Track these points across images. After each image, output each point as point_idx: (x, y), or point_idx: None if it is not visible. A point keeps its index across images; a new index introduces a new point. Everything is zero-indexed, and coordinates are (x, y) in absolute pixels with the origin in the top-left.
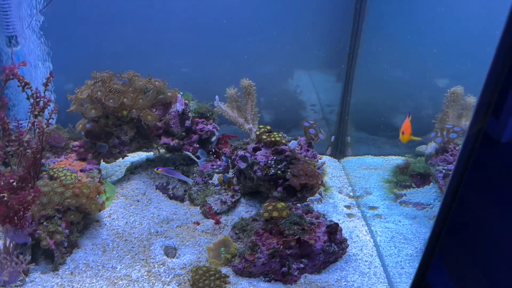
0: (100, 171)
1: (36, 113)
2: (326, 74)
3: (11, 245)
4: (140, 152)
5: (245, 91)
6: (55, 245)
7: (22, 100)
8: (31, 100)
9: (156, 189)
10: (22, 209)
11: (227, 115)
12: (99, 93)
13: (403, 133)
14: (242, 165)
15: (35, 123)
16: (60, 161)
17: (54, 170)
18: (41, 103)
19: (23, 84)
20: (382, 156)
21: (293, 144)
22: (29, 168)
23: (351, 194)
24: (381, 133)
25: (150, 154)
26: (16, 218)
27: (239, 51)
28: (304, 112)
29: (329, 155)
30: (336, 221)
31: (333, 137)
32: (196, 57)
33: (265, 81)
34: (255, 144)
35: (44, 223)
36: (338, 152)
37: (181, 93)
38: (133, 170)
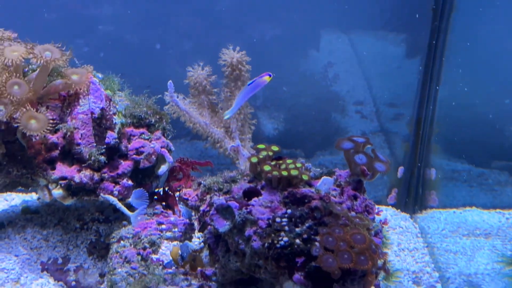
0: None
1: None
2: (386, 42)
3: None
4: (11, 193)
5: (231, 72)
6: None
7: None
8: None
9: (43, 270)
10: None
11: (189, 120)
12: None
13: None
14: (222, 226)
15: None
16: None
17: None
18: None
19: None
20: (499, 210)
21: (325, 183)
22: None
23: (439, 286)
24: (498, 164)
25: (31, 198)
26: None
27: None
28: (341, 116)
29: (392, 205)
30: None
31: (400, 170)
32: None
33: (263, 55)
34: (249, 182)
35: None
36: (411, 199)
37: (100, 76)
38: None
